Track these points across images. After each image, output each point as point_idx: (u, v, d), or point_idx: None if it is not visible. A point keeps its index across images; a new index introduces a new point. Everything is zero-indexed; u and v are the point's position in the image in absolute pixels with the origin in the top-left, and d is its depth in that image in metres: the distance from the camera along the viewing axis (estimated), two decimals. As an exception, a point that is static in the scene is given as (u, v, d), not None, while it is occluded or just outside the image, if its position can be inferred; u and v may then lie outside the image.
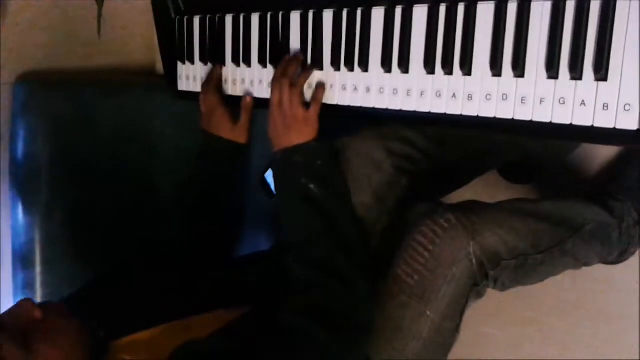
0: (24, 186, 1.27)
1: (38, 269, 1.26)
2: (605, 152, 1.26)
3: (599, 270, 1.12)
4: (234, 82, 1.14)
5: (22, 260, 1.28)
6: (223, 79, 1.15)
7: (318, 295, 0.91)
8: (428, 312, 0.91)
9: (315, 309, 0.89)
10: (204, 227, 1.15)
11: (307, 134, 0.98)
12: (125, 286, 0.99)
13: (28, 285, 1.27)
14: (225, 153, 1.15)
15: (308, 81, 1.01)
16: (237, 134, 1.14)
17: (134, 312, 0.90)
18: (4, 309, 0.84)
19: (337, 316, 0.89)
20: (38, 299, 1.26)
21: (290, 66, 1.00)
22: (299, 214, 0.97)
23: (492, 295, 0.97)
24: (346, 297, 0.91)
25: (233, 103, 1.14)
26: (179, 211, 1.17)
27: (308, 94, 1.01)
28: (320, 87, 1.00)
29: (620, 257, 1.15)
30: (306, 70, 1.01)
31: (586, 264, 1.05)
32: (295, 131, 0.98)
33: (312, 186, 0.96)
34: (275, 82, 1.00)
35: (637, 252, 1.16)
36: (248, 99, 1.10)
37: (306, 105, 0.99)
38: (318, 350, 0.87)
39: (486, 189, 1.29)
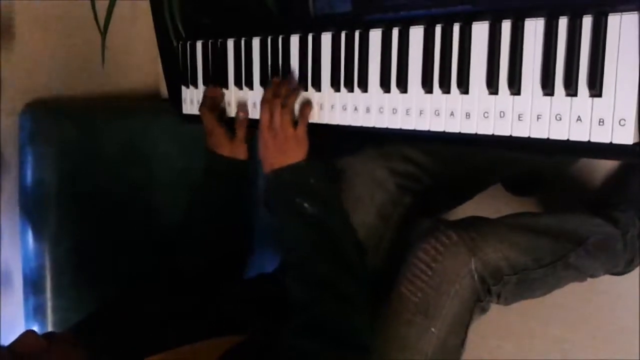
0: (33, 213, 1.28)
1: (48, 294, 1.27)
2: (608, 163, 1.26)
3: (603, 281, 1.12)
4: (237, 104, 1.15)
5: (32, 285, 1.29)
6: (226, 102, 1.17)
7: (318, 314, 0.91)
8: (433, 329, 0.92)
9: (316, 328, 0.89)
10: (212, 248, 1.15)
11: (298, 153, 0.99)
12: (134, 313, 0.99)
13: (38, 310, 1.28)
14: (226, 170, 1.15)
15: (299, 101, 1.02)
16: (235, 150, 1.14)
17: (142, 339, 0.90)
18: (17, 334, 0.84)
19: (338, 334, 0.89)
20: (49, 323, 1.27)
21: (281, 87, 1.01)
22: (296, 232, 0.98)
23: (496, 307, 0.97)
24: (346, 314, 0.91)
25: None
26: (186, 233, 1.17)
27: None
28: (307, 104, 1.00)
29: (627, 267, 1.15)
30: (295, 89, 1.01)
31: (592, 276, 1.05)
32: (287, 151, 0.99)
33: (306, 205, 0.97)
34: (265, 103, 1.00)
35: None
36: (241, 114, 1.11)
37: (294, 123, 1.00)
38: None
39: (490, 202, 1.29)
